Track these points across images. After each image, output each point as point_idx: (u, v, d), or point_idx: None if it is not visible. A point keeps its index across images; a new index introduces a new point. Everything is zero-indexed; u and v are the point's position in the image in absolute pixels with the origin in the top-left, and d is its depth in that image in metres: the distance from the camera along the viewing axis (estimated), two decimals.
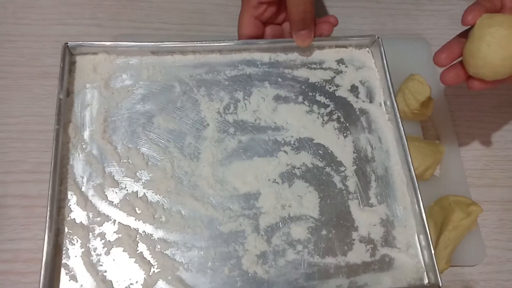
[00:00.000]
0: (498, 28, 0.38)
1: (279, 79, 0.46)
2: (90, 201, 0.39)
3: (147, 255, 0.38)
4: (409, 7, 0.67)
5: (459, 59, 0.42)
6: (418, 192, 0.40)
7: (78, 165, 0.40)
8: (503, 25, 0.38)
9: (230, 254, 0.38)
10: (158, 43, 0.45)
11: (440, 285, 0.37)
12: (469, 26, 0.41)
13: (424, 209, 0.39)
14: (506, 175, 0.56)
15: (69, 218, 0.39)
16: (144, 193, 0.40)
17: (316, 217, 0.40)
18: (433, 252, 0.38)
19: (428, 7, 0.68)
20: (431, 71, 0.59)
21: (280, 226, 0.40)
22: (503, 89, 0.62)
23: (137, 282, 0.37)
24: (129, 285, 0.37)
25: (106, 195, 0.39)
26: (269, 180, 0.41)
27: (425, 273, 0.39)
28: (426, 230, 0.39)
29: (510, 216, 0.54)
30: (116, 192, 0.40)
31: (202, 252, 0.38)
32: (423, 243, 0.39)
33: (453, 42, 0.43)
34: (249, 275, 0.37)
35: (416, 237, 0.40)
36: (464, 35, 0.42)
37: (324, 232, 0.40)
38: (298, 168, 0.42)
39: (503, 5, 0.41)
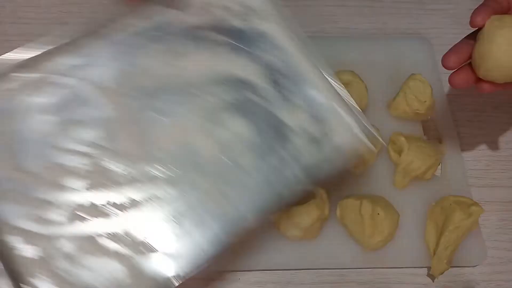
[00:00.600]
0: (508, 29, 0.37)
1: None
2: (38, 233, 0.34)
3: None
4: (410, 6, 0.67)
5: (468, 61, 0.42)
6: (328, 78, 0.40)
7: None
8: None
9: None
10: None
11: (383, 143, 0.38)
12: (477, 28, 0.40)
13: (338, 84, 0.40)
14: (507, 175, 0.56)
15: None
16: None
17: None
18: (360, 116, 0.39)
19: (430, 6, 0.67)
20: (433, 71, 0.59)
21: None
22: None
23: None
24: None
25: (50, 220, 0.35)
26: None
27: (361, 136, 0.38)
28: (345, 101, 0.39)
29: (511, 216, 0.53)
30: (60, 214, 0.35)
31: None
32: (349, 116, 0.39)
33: (461, 44, 0.42)
34: None
35: (341, 111, 0.39)
36: (472, 37, 0.41)
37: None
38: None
39: (510, 6, 0.41)
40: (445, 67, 0.42)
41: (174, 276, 0.34)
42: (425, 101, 0.52)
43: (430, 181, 0.52)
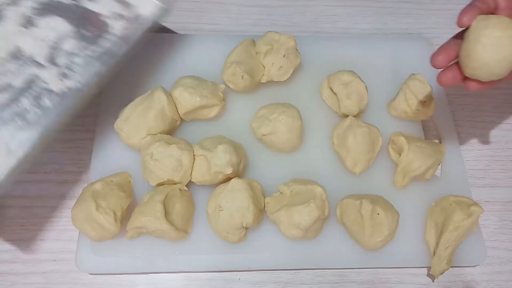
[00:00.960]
0: (492, 29, 0.38)
1: None
2: None
3: None
4: (410, 6, 0.67)
5: (456, 60, 0.42)
6: None
7: None
8: (497, 27, 0.38)
9: None
10: None
11: None
12: (465, 28, 0.40)
13: None
14: (507, 175, 0.56)
15: None
16: None
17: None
18: None
19: (429, 6, 0.67)
20: (433, 71, 0.58)
21: None
22: (504, 88, 0.61)
23: None
24: None
25: None
26: None
27: None
28: None
29: (511, 216, 0.53)
30: None
31: None
32: None
33: (450, 43, 0.43)
34: None
35: None
36: (460, 36, 0.42)
37: None
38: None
39: (497, 6, 0.41)
40: (434, 66, 0.42)
41: None
42: (425, 101, 0.52)
43: (430, 181, 0.52)
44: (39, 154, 0.43)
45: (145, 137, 0.48)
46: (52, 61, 0.46)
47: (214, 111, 0.52)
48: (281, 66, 0.53)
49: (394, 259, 0.48)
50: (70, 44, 0.46)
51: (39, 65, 0.45)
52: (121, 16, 0.48)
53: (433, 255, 0.47)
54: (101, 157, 0.50)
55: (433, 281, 0.49)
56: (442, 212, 0.48)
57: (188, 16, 0.64)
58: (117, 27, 0.48)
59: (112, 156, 0.50)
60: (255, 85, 0.55)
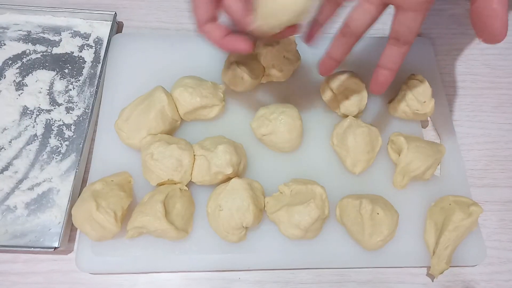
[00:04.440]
0: None
1: None
2: None
3: None
4: None
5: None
6: None
7: None
8: None
9: None
10: None
11: None
12: None
13: None
14: (507, 175, 0.56)
15: None
16: None
17: None
18: None
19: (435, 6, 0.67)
20: (433, 71, 0.59)
21: None
22: (504, 89, 0.62)
23: None
24: None
25: None
26: None
27: None
28: None
29: (511, 216, 0.53)
30: None
31: None
32: None
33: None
34: None
35: None
36: None
37: None
38: None
39: None
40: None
41: None
42: (424, 101, 0.52)
43: (430, 181, 0.52)
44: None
45: (145, 137, 0.48)
46: (55, 103, 0.55)
47: (214, 111, 0.52)
48: (281, 67, 0.53)
49: (394, 259, 0.48)
50: (59, 85, 0.56)
51: (47, 110, 0.54)
52: (86, 45, 0.59)
53: (433, 255, 0.47)
54: (101, 157, 0.50)
55: (432, 281, 0.49)
56: (441, 212, 0.48)
57: (188, 16, 0.64)
58: (87, 55, 0.58)
59: (112, 156, 0.51)
60: (255, 85, 0.55)
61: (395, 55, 0.40)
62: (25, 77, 0.56)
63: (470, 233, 0.49)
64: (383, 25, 0.66)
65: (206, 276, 0.48)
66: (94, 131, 0.53)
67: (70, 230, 0.48)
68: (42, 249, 0.46)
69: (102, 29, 0.60)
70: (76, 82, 0.56)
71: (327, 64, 0.44)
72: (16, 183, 0.50)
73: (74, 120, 0.54)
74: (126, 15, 0.63)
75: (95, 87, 0.55)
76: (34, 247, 0.46)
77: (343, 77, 0.52)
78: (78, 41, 0.59)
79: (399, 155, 0.50)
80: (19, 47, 0.58)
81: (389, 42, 0.40)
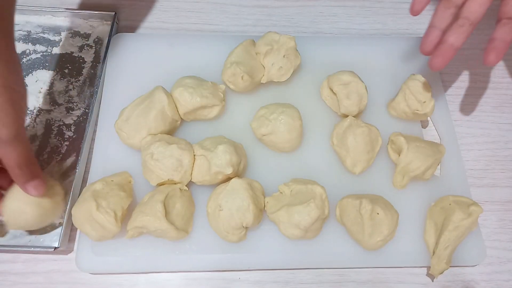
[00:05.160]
0: None
1: None
2: None
3: None
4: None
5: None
6: None
7: None
8: None
9: None
10: None
11: None
12: None
13: None
14: (506, 175, 0.56)
15: None
16: None
17: None
18: None
19: (429, 7, 0.67)
20: (432, 71, 0.59)
21: None
22: (504, 88, 0.62)
23: None
24: None
25: None
26: None
27: None
28: None
29: (510, 216, 0.53)
30: None
31: None
32: None
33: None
34: None
35: None
36: None
37: None
38: None
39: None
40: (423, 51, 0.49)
41: None
42: (424, 101, 0.52)
43: (430, 181, 0.52)
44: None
45: (145, 137, 0.48)
46: (55, 103, 0.55)
47: (214, 111, 0.52)
48: (281, 67, 0.53)
49: (394, 259, 0.48)
50: (59, 85, 0.56)
51: (47, 110, 0.54)
52: (86, 46, 0.58)
53: (433, 255, 0.47)
54: (101, 157, 0.50)
55: (432, 281, 0.49)
56: (441, 212, 0.48)
57: (188, 16, 0.64)
58: (87, 55, 0.58)
59: (112, 156, 0.51)
60: (255, 86, 0.55)
61: (509, 31, 0.45)
62: (25, 77, 0.56)
63: (470, 233, 0.49)
64: (383, 25, 0.66)
65: (206, 276, 0.48)
66: (94, 131, 0.53)
67: (70, 230, 0.48)
68: (42, 249, 0.46)
69: (102, 29, 0.60)
70: (76, 82, 0.56)
71: (446, 54, 0.47)
72: None
73: (74, 120, 0.54)
74: (126, 15, 0.63)
75: (95, 87, 0.55)
76: (34, 247, 0.46)
77: (343, 77, 0.52)
78: (78, 41, 0.59)
79: (399, 155, 0.50)
80: (19, 47, 0.58)
81: (502, 23, 0.45)
